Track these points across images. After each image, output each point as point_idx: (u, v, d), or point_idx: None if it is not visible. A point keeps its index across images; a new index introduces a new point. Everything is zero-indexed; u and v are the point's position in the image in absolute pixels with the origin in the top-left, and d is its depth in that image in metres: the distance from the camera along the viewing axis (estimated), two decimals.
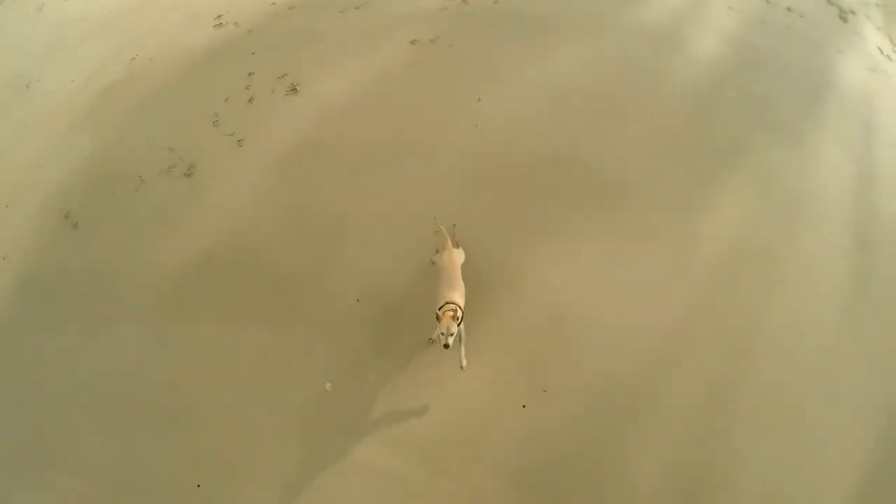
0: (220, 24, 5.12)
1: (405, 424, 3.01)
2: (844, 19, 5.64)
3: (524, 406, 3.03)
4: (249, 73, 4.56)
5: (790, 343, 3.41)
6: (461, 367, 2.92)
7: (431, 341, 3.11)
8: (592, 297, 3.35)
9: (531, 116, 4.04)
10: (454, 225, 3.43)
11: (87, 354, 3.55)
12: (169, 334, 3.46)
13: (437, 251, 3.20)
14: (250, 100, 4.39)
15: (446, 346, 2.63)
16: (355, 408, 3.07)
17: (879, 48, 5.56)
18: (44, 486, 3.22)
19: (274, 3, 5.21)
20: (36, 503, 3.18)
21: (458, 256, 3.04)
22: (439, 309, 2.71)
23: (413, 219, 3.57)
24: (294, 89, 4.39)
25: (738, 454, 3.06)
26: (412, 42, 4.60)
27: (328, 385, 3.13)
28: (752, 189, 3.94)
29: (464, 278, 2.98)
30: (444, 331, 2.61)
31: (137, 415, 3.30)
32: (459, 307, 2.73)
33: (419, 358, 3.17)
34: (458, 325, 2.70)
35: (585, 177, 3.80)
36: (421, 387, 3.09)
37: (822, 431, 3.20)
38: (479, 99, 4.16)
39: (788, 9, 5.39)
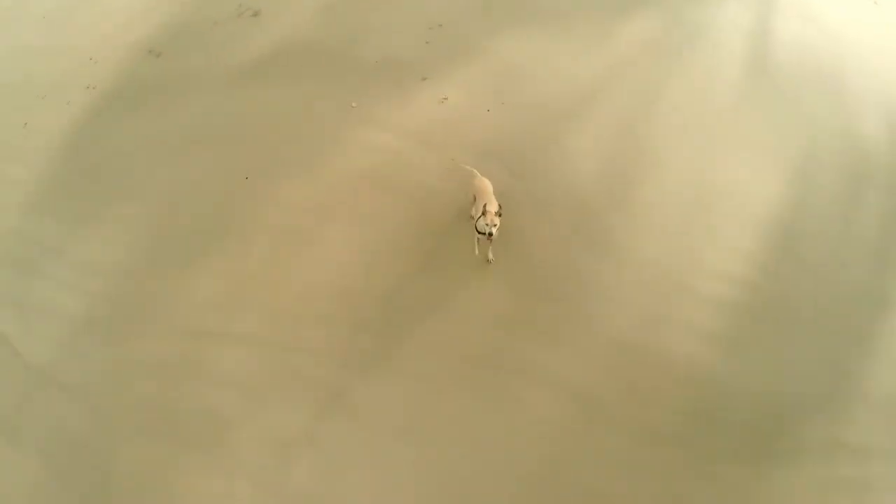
0: None
1: (405, 119, 4.29)
2: None
3: (488, 110, 4.28)
4: None
5: (696, 106, 4.56)
6: (489, 261, 3.55)
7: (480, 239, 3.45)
8: (532, 61, 4.72)
9: None
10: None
11: (159, 123, 4.81)
12: (235, 97, 4.80)
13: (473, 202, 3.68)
14: None
15: (490, 234, 3.18)
16: (371, 115, 4.37)
17: None
18: (112, 218, 4.30)
19: None
20: (106, 233, 4.24)
21: (488, 183, 3.54)
22: (483, 214, 3.23)
23: (413, 17, 5.03)
24: None
25: (657, 154, 4.16)
26: None
27: (353, 103, 4.43)
28: (659, 17, 5.30)
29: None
30: (488, 221, 3.15)
31: (194, 144, 4.51)
32: (496, 209, 3.25)
33: (416, 89, 4.48)
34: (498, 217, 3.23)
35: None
36: (420, 100, 4.39)
37: (730, 156, 4.25)
38: None
39: None
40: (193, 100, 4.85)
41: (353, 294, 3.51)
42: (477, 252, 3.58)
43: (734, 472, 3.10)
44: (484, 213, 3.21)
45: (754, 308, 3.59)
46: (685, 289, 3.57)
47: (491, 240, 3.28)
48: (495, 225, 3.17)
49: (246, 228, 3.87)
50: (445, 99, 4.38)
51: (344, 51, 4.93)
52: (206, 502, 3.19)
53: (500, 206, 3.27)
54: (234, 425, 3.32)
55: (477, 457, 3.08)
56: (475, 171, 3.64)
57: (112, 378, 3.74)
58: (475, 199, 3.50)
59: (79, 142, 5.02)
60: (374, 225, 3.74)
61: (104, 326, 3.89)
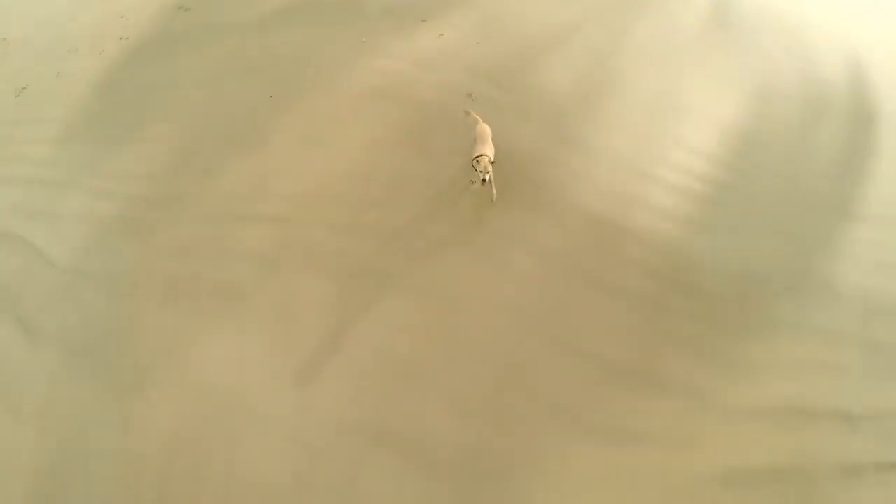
0: None
1: (407, 50, 4.91)
2: None
3: (478, 42, 4.95)
4: None
5: (661, 44, 5.20)
6: (492, 200, 3.91)
7: (472, 182, 4.02)
8: (516, 7, 5.41)
9: None
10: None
11: (189, 63, 5.42)
12: (259, 39, 5.44)
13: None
14: None
15: (484, 181, 3.61)
16: (379, 47, 4.98)
17: None
18: (144, 137, 4.84)
19: None
20: (139, 149, 4.79)
21: (488, 129, 3.96)
22: (475, 159, 3.67)
23: None
24: None
25: (625, 77, 4.75)
26: None
27: (363, 39, 5.02)
28: None
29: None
30: (482, 169, 3.60)
31: (222, 76, 5.08)
32: (490, 157, 3.69)
33: (416, 28, 5.11)
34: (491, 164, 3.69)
35: None
36: (420, 36, 4.98)
37: (692, 82, 4.84)
38: None
39: None
40: (221, 43, 5.44)
41: (361, 179, 4.04)
42: (473, 180, 4.01)
43: (712, 339, 3.41)
44: (478, 160, 3.67)
45: (718, 199, 3.98)
46: (652, 177, 4.07)
47: (485, 184, 3.74)
48: (488, 172, 3.62)
49: (269, 135, 4.44)
50: (442, 34, 5.03)
51: (352, 2, 5.58)
52: (219, 365, 3.54)
53: (493, 159, 3.69)
54: (252, 293, 3.74)
55: (470, 306, 3.56)
56: (479, 118, 4.11)
57: (137, 264, 4.13)
58: (475, 141, 3.93)
59: (112, 82, 5.56)
60: (381, 127, 4.31)
61: (134, 223, 4.31)
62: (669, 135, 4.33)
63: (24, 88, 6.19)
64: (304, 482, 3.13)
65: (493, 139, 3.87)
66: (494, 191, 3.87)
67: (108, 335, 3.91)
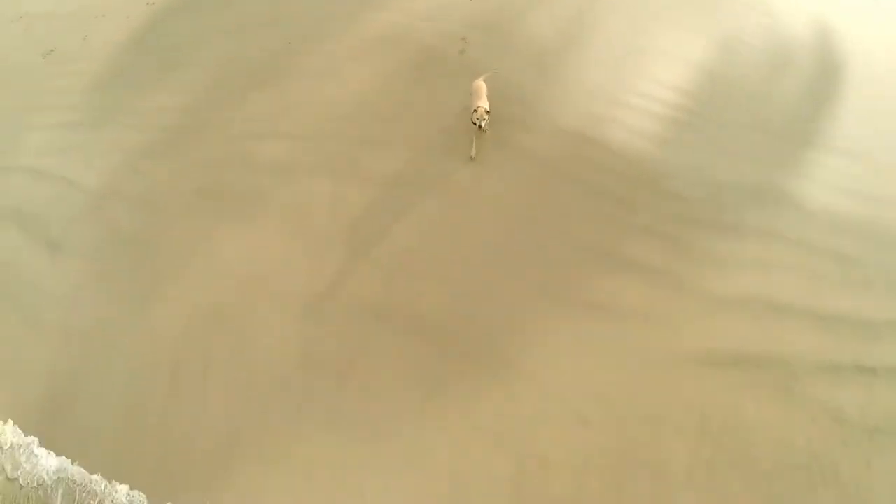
0: None
1: (409, 5, 5.44)
2: None
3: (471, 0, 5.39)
4: None
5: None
6: (484, 130, 4.19)
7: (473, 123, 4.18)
8: None
9: None
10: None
11: (212, 22, 5.92)
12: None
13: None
14: None
15: (480, 126, 4.04)
16: (384, 4, 5.50)
17: None
18: (172, 80, 5.32)
19: None
20: (168, 89, 5.23)
21: (483, 85, 4.32)
22: (475, 110, 4.06)
23: None
24: None
25: (599, 26, 5.21)
26: None
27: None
28: None
29: None
30: (479, 117, 4.01)
31: (245, 30, 5.58)
32: (486, 107, 4.10)
33: None
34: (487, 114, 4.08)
35: None
36: None
37: (662, 30, 5.27)
38: None
39: None
40: (242, 3, 5.97)
41: (371, 103, 4.64)
42: (473, 153, 4.28)
43: (682, 233, 3.76)
44: (476, 110, 4.08)
45: (687, 123, 4.33)
46: (626, 103, 4.45)
47: (482, 130, 4.12)
48: (484, 119, 4.03)
49: (287, 73, 5.01)
50: None
51: None
52: (236, 258, 3.97)
53: (488, 109, 4.11)
54: (271, 195, 4.27)
55: (466, 202, 4.05)
56: (482, 77, 4.49)
57: (164, 183, 4.53)
58: (472, 95, 4.31)
59: (139, 40, 6.08)
60: (386, 64, 4.91)
61: (162, 148, 4.76)
62: (641, 70, 4.83)
63: (52, 51, 6.65)
64: (310, 352, 3.52)
65: (484, 78, 4.35)
66: (474, 151, 4.22)
67: (132, 246, 4.28)
